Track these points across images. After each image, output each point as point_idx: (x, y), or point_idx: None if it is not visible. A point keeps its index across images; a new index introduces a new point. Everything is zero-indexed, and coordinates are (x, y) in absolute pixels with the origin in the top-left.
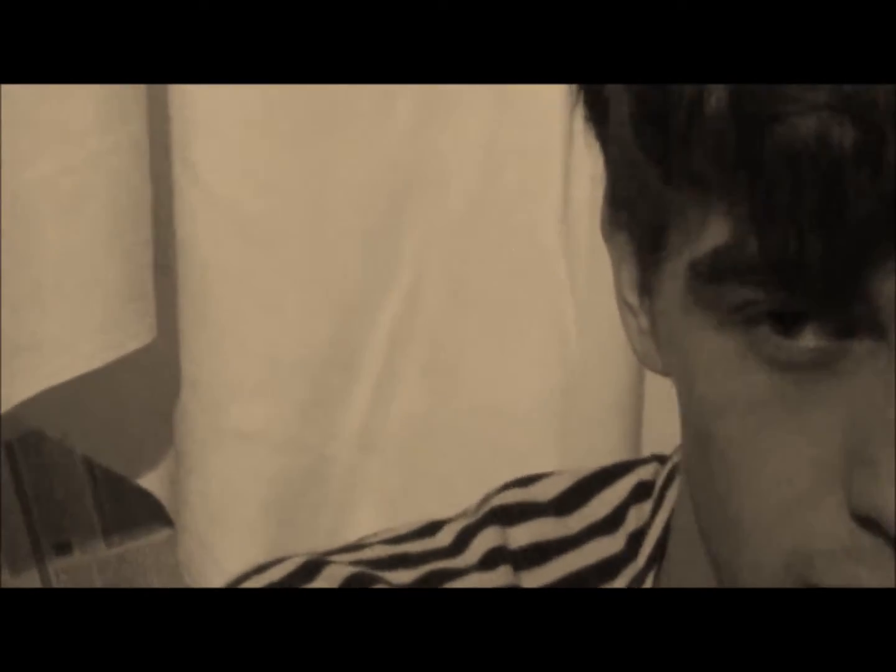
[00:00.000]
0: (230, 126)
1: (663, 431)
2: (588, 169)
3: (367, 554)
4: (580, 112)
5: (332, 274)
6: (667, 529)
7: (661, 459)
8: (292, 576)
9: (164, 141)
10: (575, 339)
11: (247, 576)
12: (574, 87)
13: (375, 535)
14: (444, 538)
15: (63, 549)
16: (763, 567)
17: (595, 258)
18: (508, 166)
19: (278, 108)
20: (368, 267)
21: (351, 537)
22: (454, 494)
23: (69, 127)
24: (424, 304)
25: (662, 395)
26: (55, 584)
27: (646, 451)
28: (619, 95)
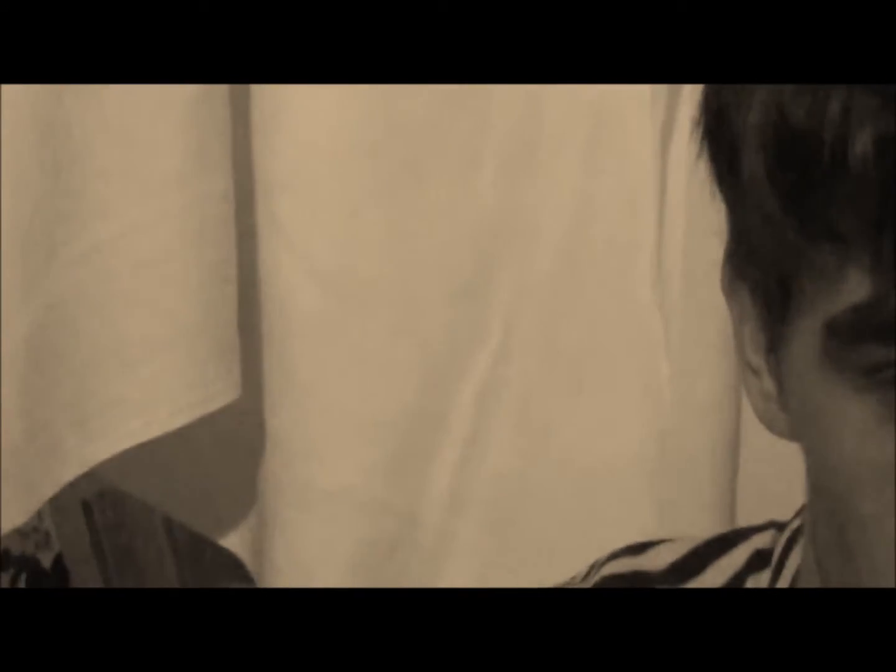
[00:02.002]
0: (316, 180)
1: (759, 489)
2: (681, 221)
3: None
4: (705, 158)
5: (420, 330)
6: None
7: (778, 526)
8: None
9: (249, 194)
10: (669, 396)
11: None
12: (698, 137)
13: None
14: None
15: None
16: None
17: (690, 312)
18: (599, 219)
19: (364, 162)
20: (457, 322)
21: None
22: (548, 556)
23: (151, 180)
24: (514, 360)
25: (758, 452)
26: None
27: (741, 511)
28: (752, 141)
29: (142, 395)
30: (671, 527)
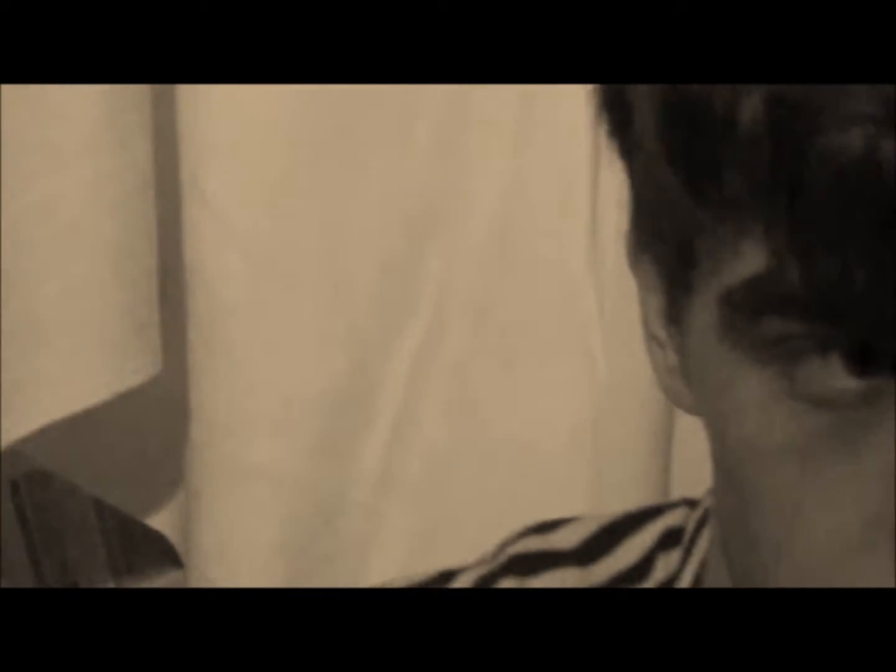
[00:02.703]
0: (244, 150)
1: (694, 469)
2: (615, 196)
3: None
4: (603, 124)
5: (349, 305)
6: (698, 580)
7: (690, 503)
8: None
9: (173, 164)
10: (603, 372)
11: None
12: (596, 97)
13: (383, 585)
14: None
15: None
16: None
17: (624, 287)
18: (532, 194)
19: (294, 134)
20: (387, 297)
21: (367, 584)
22: (479, 536)
23: (66, 150)
24: (446, 336)
25: (694, 431)
26: None
27: (676, 490)
28: (643, 104)
29: (57, 371)
30: (605, 505)
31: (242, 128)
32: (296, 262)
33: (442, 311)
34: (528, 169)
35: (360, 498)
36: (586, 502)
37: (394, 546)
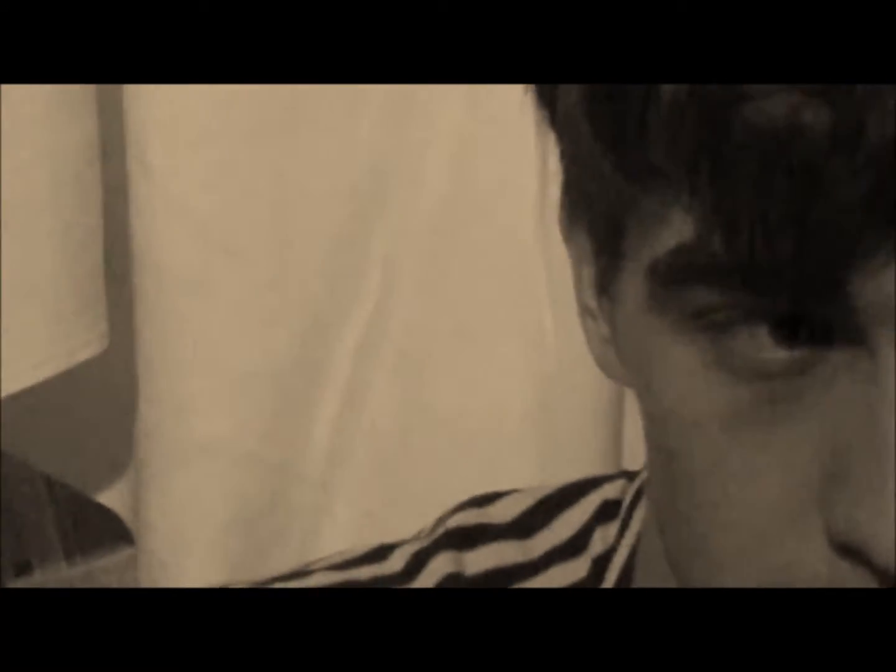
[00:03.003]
0: (190, 125)
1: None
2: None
3: (311, 582)
4: (531, 94)
5: (298, 279)
6: (634, 553)
7: (629, 476)
8: None
9: (119, 141)
10: (553, 345)
11: None
12: None
13: (322, 559)
14: (395, 563)
15: (23, 568)
16: None
17: None
18: (482, 165)
19: (241, 107)
20: (336, 272)
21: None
22: (429, 511)
23: (11, 126)
24: (395, 310)
25: None
26: None
27: (628, 464)
28: None
29: (3, 347)
30: (556, 477)
31: (188, 103)
32: (244, 237)
33: (390, 288)
34: (478, 141)
35: (310, 474)
36: (537, 477)
37: (345, 521)
